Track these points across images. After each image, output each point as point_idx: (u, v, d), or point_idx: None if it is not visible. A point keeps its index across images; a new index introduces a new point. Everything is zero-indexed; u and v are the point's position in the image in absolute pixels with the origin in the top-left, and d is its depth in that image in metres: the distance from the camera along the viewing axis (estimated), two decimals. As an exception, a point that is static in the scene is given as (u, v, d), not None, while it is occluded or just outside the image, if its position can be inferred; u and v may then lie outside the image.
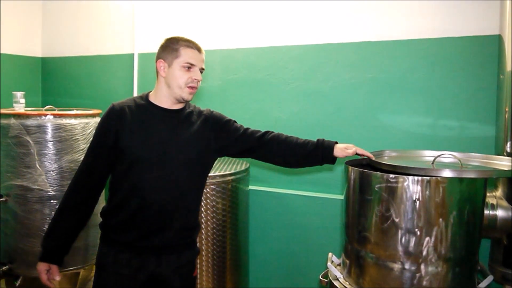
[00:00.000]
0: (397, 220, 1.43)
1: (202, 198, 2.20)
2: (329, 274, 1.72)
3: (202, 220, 2.22)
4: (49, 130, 2.57)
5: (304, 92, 2.66)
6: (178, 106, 1.71)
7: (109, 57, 3.37)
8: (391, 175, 1.43)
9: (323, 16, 2.60)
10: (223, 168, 2.40)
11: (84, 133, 2.68)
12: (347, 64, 2.55)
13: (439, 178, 1.38)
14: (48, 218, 2.57)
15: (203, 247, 2.24)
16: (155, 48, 2.94)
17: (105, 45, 3.39)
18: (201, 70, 1.69)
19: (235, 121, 1.83)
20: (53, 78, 3.68)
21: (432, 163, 1.63)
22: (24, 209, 2.57)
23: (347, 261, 1.65)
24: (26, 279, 2.70)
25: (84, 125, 2.69)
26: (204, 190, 2.21)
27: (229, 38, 2.87)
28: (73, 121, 2.64)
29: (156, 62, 1.68)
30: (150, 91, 1.73)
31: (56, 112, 2.62)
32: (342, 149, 1.69)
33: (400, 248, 1.43)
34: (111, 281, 1.64)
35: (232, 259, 2.39)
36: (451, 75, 2.32)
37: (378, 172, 1.47)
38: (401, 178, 1.41)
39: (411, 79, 2.40)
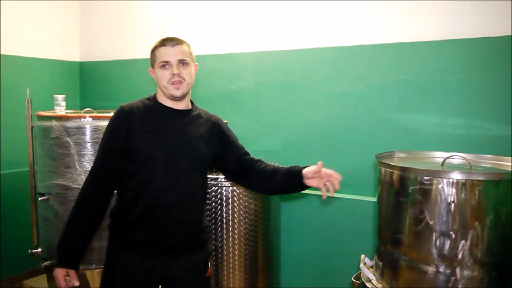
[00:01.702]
0: (431, 222, 1.42)
1: (235, 199, 2.25)
2: (361, 276, 1.72)
3: (235, 221, 2.26)
4: (88, 132, 2.66)
5: (335, 94, 2.66)
6: (182, 106, 1.72)
7: (143, 61, 3.46)
8: (425, 177, 1.42)
9: (354, 17, 2.59)
10: (255, 169, 2.43)
11: (120, 134, 2.77)
12: (379, 65, 2.54)
13: (475, 180, 1.37)
14: (86, 217, 2.66)
15: (236, 247, 2.27)
16: (189, 52, 2.95)
17: (139, 49, 3.49)
18: (183, 61, 1.66)
19: (237, 139, 1.88)
20: (90, 82, 3.81)
21: (442, 165, 1.61)
22: (64, 207, 2.66)
23: (380, 263, 1.64)
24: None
25: (120, 127, 2.77)
26: (237, 191, 2.25)
27: (261, 41, 2.90)
28: (110, 123, 2.72)
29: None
30: (156, 93, 1.76)
31: (94, 114, 2.72)
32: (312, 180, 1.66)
33: (434, 251, 1.42)
34: (123, 282, 1.64)
35: (264, 260, 2.41)
36: (487, 76, 2.27)
37: (412, 174, 1.47)
38: (435, 180, 1.40)
39: (445, 80, 2.37)
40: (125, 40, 3.57)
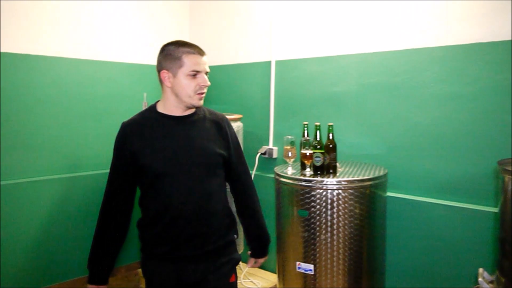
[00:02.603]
0: None
1: (340, 202, 2.23)
2: (480, 291, 1.61)
3: (340, 224, 2.24)
4: (198, 133, 2.83)
5: (446, 96, 2.51)
6: (189, 112, 1.70)
7: (248, 65, 3.59)
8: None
9: (469, 14, 2.42)
10: (361, 173, 2.39)
11: (227, 136, 2.90)
12: (497, 64, 2.34)
13: None
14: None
15: (340, 251, 2.26)
16: (291, 55, 3.05)
17: (244, 54, 3.61)
18: (207, 73, 1.66)
19: (239, 147, 1.90)
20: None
21: None
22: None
23: (503, 279, 1.52)
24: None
25: (227, 129, 2.90)
26: (342, 194, 2.23)
27: (365, 42, 2.84)
28: (218, 125, 2.87)
29: (159, 72, 1.64)
30: (158, 101, 1.72)
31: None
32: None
33: None
34: None
35: (368, 265, 2.36)
36: None
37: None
38: None
39: None
40: (230, 46, 3.73)
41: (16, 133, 2.93)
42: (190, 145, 1.65)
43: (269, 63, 3.39)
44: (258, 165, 3.37)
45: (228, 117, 2.98)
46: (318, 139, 2.43)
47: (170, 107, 1.66)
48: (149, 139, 1.62)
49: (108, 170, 1.73)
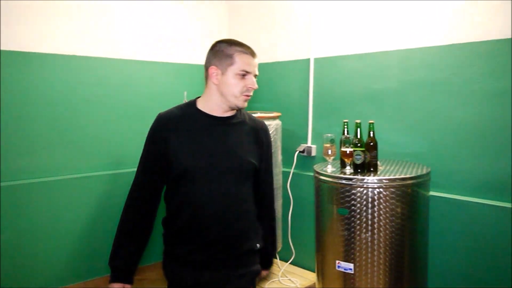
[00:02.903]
0: None
1: (381, 201, 2.20)
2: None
3: (381, 223, 2.21)
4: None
5: (492, 91, 2.42)
6: (230, 113, 1.64)
7: (286, 63, 3.58)
8: None
9: (520, 6, 2.32)
10: (402, 171, 2.34)
11: (266, 134, 2.91)
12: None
13: None
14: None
15: (381, 250, 2.22)
16: (330, 53, 3.03)
17: (283, 52, 3.61)
18: (255, 76, 1.61)
19: (271, 157, 1.85)
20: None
21: None
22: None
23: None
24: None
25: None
26: (383, 193, 2.20)
27: (407, 38, 2.78)
28: (257, 123, 2.89)
29: (207, 68, 1.60)
30: (198, 97, 1.66)
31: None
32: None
33: None
34: None
35: (410, 265, 2.32)
36: None
37: None
38: None
39: None
40: (269, 45, 3.73)
41: (64, 131, 3.06)
42: (225, 147, 1.60)
43: (307, 60, 3.37)
44: (296, 163, 3.36)
45: (266, 115, 3.01)
46: (358, 137, 2.40)
47: (212, 106, 1.61)
48: (185, 134, 1.57)
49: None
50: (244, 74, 1.55)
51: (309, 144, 3.39)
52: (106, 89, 3.26)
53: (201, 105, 1.62)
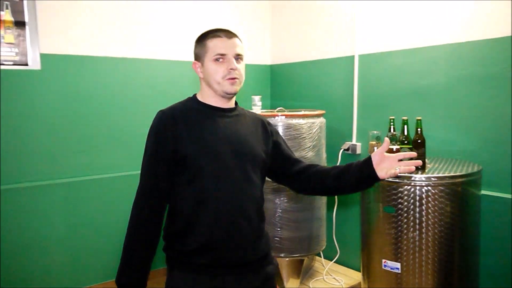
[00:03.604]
0: None
1: (429, 199, 2.15)
2: None
3: (429, 222, 2.16)
4: (281, 129, 2.88)
5: (552, 86, 2.31)
6: (228, 104, 1.58)
7: (330, 61, 3.56)
8: None
9: None
10: (452, 169, 2.28)
11: (310, 132, 2.92)
12: None
13: None
14: (279, 209, 2.90)
15: (429, 250, 2.17)
16: (374, 49, 2.99)
17: (326, 49, 3.59)
18: (237, 56, 1.50)
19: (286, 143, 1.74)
20: (280, 83, 4.10)
21: None
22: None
23: None
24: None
25: (310, 124, 2.92)
26: (432, 191, 2.15)
27: (455, 32, 2.69)
28: (300, 121, 2.90)
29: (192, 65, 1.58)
30: (196, 94, 1.61)
31: (286, 113, 2.92)
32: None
33: None
34: None
35: (460, 266, 2.25)
36: None
37: None
38: None
39: None
40: (312, 42, 3.72)
41: (115, 131, 3.19)
42: (236, 139, 1.53)
43: (352, 57, 3.33)
44: (341, 161, 3.34)
45: (310, 113, 3.01)
46: (405, 134, 2.35)
47: (208, 98, 1.56)
48: (191, 130, 1.48)
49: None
50: (219, 58, 1.49)
51: (353, 142, 3.36)
52: (128, 89, 3.26)
53: (200, 98, 1.60)
